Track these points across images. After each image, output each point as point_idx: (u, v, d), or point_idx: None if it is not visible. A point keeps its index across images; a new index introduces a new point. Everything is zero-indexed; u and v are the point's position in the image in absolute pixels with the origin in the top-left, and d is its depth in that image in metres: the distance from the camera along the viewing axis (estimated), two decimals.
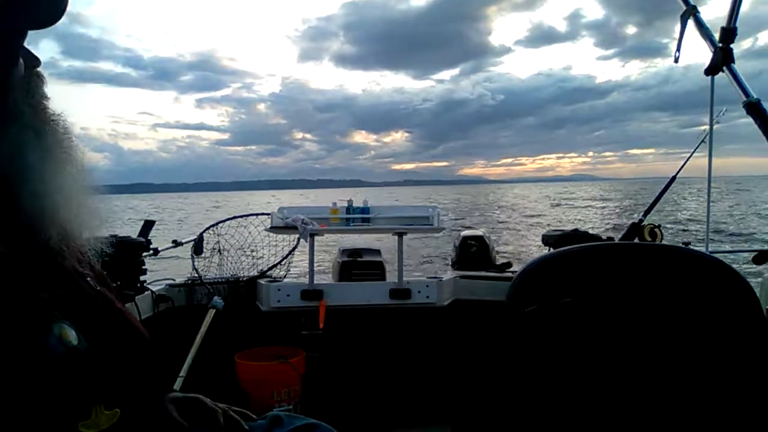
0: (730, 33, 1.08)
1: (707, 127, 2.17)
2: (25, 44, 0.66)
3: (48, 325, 0.58)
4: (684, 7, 1.19)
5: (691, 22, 1.19)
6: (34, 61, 0.67)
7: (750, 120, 1.00)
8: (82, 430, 0.59)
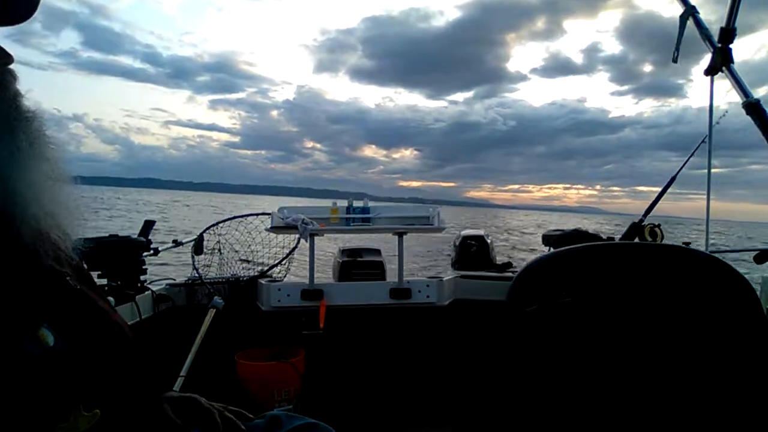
0: (729, 33, 1.08)
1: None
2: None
3: (24, 325, 0.57)
4: (683, 8, 1.19)
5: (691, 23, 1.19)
6: (6, 58, 0.65)
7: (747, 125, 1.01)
8: None
